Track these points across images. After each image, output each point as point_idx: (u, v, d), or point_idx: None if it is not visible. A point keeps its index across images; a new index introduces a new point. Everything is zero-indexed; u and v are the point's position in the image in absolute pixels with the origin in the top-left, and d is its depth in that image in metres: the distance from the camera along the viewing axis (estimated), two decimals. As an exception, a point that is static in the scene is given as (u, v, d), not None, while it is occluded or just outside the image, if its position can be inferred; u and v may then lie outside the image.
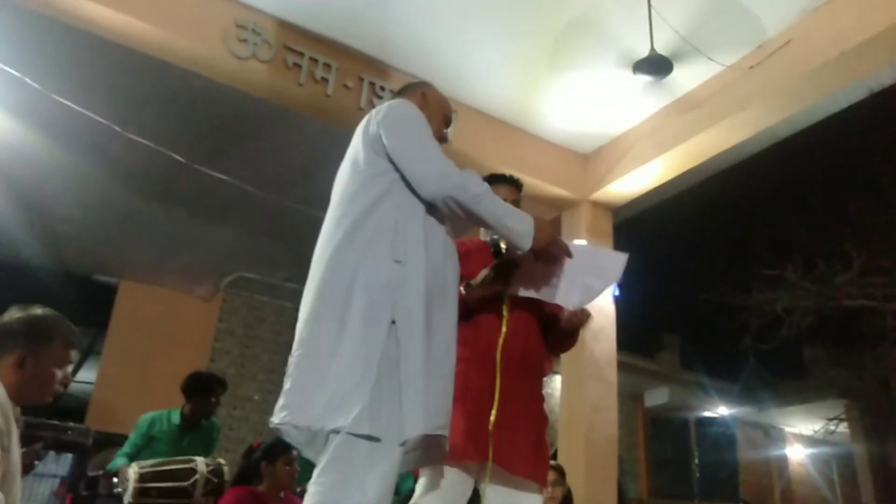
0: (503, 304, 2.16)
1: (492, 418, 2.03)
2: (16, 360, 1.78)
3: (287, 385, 1.64)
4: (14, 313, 1.85)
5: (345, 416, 1.50)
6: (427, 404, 1.58)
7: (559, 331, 2.22)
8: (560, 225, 5.13)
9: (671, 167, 4.55)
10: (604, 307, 4.76)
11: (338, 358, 1.57)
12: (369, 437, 1.50)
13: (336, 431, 1.52)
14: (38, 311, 1.89)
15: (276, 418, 1.62)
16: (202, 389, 4.02)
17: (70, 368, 1.93)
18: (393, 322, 1.59)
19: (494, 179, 2.38)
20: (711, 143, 4.26)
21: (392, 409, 1.55)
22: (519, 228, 1.81)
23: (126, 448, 3.85)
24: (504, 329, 2.13)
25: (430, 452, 1.71)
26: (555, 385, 8.50)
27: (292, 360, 1.66)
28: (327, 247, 1.73)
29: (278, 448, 3.28)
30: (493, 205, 1.80)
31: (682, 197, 5.30)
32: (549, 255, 1.89)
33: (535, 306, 2.23)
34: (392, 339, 1.59)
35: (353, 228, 1.71)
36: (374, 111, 1.91)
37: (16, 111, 4.51)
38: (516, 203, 2.32)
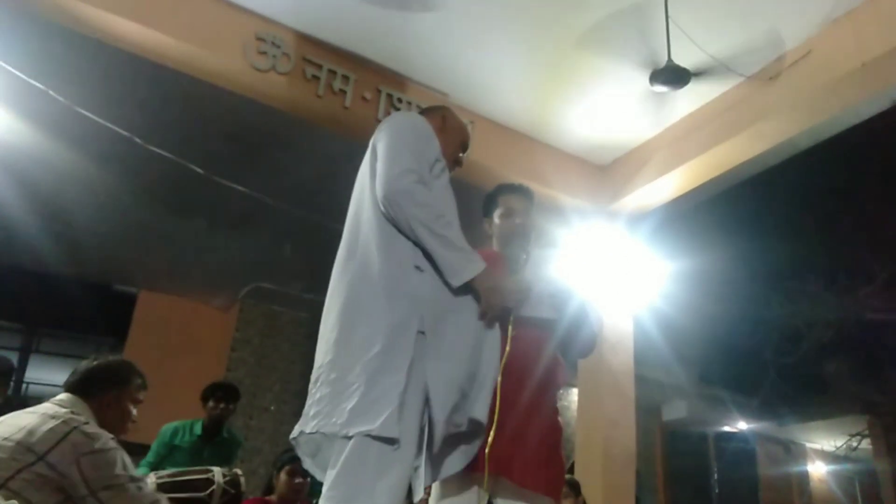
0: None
1: (492, 431, 1.99)
2: (102, 402, 2.08)
3: (318, 394, 1.65)
4: (95, 361, 2.18)
5: (373, 420, 1.52)
6: (450, 408, 1.61)
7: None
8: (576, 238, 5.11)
9: (689, 179, 4.52)
10: (621, 320, 4.73)
11: (366, 366, 1.58)
12: (390, 441, 1.51)
13: (349, 437, 1.53)
14: (113, 358, 2.25)
15: (309, 427, 1.63)
16: (214, 397, 4.08)
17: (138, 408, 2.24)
18: (421, 332, 1.62)
19: (505, 189, 2.38)
20: (730, 154, 4.22)
21: (413, 417, 1.56)
22: (453, 263, 1.71)
23: (149, 457, 3.90)
24: (508, 338, 2.07)
25: (455, 457, 1.73)
26: (571, 398, 8.44)
27: (322, 368, 1.67)
28: (349, 256, 1.76)
29: (283, 458, 3.30)
30: (436, 227, 1.70)
31: (701, 208, 5.26)
32: (490, 310, 1.77)
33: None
34: (419, 349, 1.61)
35: (372, 236, 1.73)
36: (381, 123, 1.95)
37: (40, 123, 4.58)
38: (527, 212, 2.32)
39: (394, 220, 1.70)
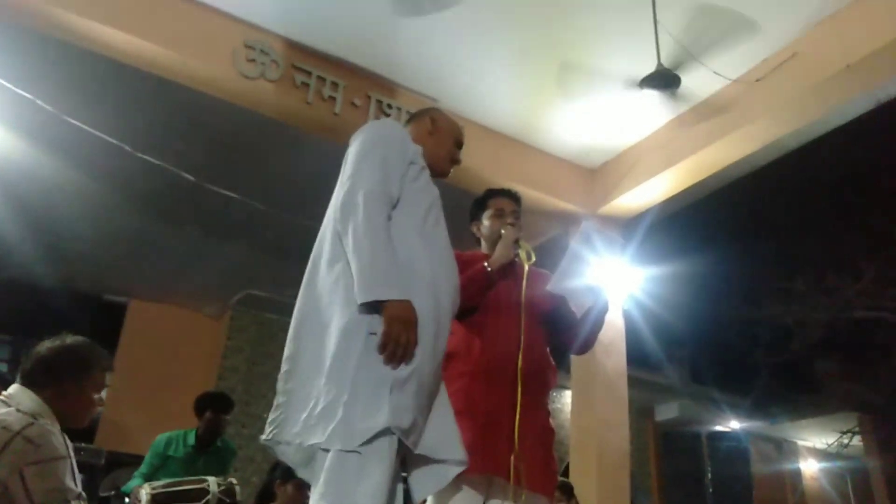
0: (519, 315, 2.17)
1: (516, 433, 2.02)
2: (59, 391, 1.85)
3: (276, 402, 1.67)
4: (49, 344, 1.92)
5: (321, 433, 1.52)
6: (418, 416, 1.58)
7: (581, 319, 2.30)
8: (567, 239, 5.13)
9: (679, 180, 4.55)
10: (613, 321, 4.74)
11: (315, 373, 1.60)
12: (346, 452, 1.50)
13: (325, 450, 1.53)
14: (71, 340, 1.96)
15: (265, 434, 1.64)
16: (211, 408, 4.06)
17: (105, 391, 2.01)
18: (372, 334, 1.58)
19: (493, 193, 2.44)
20: (719, 156, 4.26)
21: (371, 424, 1.53)
22: (368, 280, 1.58)
23: (142, 468, 3.88)
24: (522, 341, 2.12)
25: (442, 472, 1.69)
26: (565, 400, 8.45)
27: (280, 377, 1.69)
28: (314, 262, 1.78)
29: (289, 469, 3.27)
30: (369, 245, 1.62)
31: (691, 210, 5.30)
32: (386, 339, 1.57)
33: (542, 314, 2.27)
34: (370, 352, 1.58)
35: (327, 247, 1.75)
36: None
37: (27, 132, 4.55)
38: (515, 214, 2.37)
39: (341, 231, 1.70)
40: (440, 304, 1.73)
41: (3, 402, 1.79)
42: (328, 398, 1.55)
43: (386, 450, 1.52)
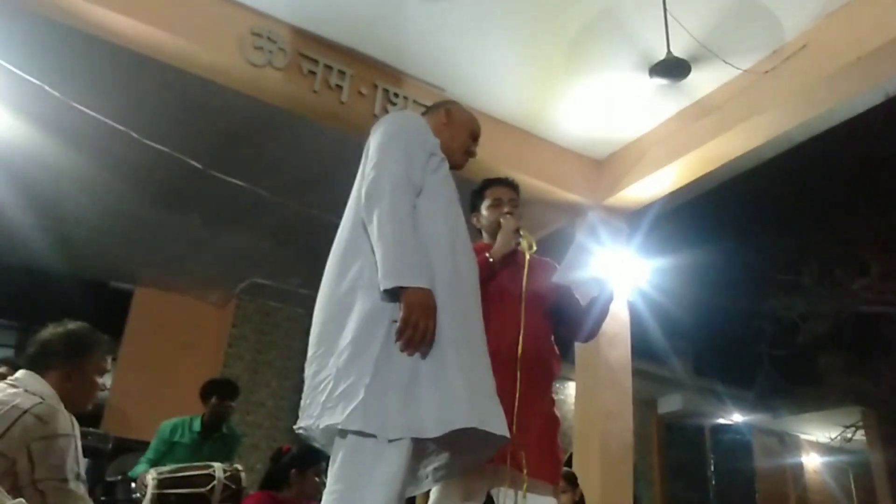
0: (520, 304, 2.17)
1: (514, 421, 2.03)
2: (63, 374, 1.94)
3: (305, 390, 1.68)
4: (52, 330, 2.01)
5: (340, 413, 1.53)
6: (443, 402, 1.55)
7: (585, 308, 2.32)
8: (573, 231, 5.12)
9: (686, 172, 4.53)
10: (618, 313, 4.75)
11: (337, 357, 1.61)
12: (361, 434, 1.51)
13: (343, 435, 1.54)
14: (73, 325, 2.05)
15: (298, 422, 1.67)
16: (217, 394, 4.08)
17: (107, 376, 2.08)
18: (395, 321, 1.59)
19: (490, 183, 2.45)
20: (726, 147, 4.24)
21: (391, 408, 1.53)
22: (392, 266, 1.60)
23: (149, 454, 3.91)
24: (522, 329, 2.13)
25: (473, 452, 1.69)
26: (568, 392, 8.47)
27: (306, 363, 1.70)
28: (337, 250, 1.79)
29: (310, 457, 3.28)
30: (393, 232, 1.64)
31: (697, 202, 5.28)
32: (405, 326, 1.58)
33: (547, 304, 2.28)
34: (391, 341, 1.59)
35: (356, 231, 1.76)
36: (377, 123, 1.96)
37: (34, 118, 4.56)
38: (513, 203, 2.38)
39: (366, 218, 1.72)
40: (463, 290, 1.74)
41: (11, 384, 1.87)
42: (349, 380, 1.56)
43: (406, 440, 1.53)
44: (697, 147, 4.27)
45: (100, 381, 2.03)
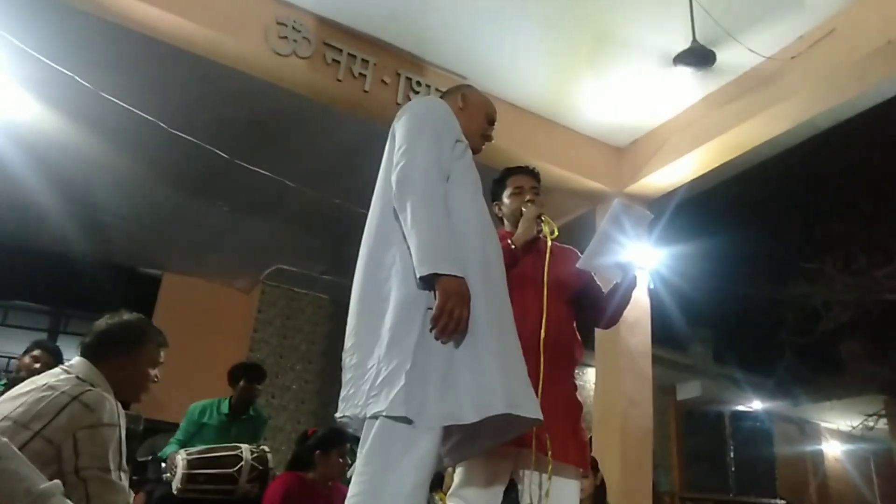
0: (542, 291, 2.19)
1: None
2: (116, 364, 1.94)
3: (344, 378, 1.70)
4: (108, 320, 2.01)
5: (384, 401, 1.54)
6: (479, 388, 1.57)
7: (608, 294, 2.34)
8: (595, 218, 5.13)
9: (708, 160, 4.51)
10: (639, 299, 4.75)
11: (376, 346, 1.62)
12: (404, 420, 1.52)
13: (374, 417, 1.56)
14: (128, 316, 2.05)
15: (338, 412, 1.69)
16: (245, 377, 4.18)
17: (160, 369, 2.08)
18: (430, 309, 1.61)
19: (511, 172, 2.46)
20: (750, 135, 4.21)
21: (429, 395, 1.55)
22: (428, 254, 1.61)
23: (178, 435, 4.02)
24: (545, 314, 2.15)
25: (496, 436, 1.72)
26: (588, 378, 8.50)
27: (345, 353, 1.73)
28: (366, 241, 1.80)
29: (334, 439, 3.36)
30: (427, 219, 1.65)
31: (720, 189, 5.25)
32: (440, 314, 1.60)
33: (569, 290, 2.31)
34: (428, 329, 1.61)
35: (386, 222, 1.77)
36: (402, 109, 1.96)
37: (66, 109, 4.66)
38: (534, 190, 2.39)
39: (398, 206, 1.73)
40: (493, 276, 1.75)
41: (65, 370, 1.88)
42: (390, 367, 1.57)
43: (438, 427, 1.56)
44: (720, 134, 4.24)
45: (152, 372, 2.03)
